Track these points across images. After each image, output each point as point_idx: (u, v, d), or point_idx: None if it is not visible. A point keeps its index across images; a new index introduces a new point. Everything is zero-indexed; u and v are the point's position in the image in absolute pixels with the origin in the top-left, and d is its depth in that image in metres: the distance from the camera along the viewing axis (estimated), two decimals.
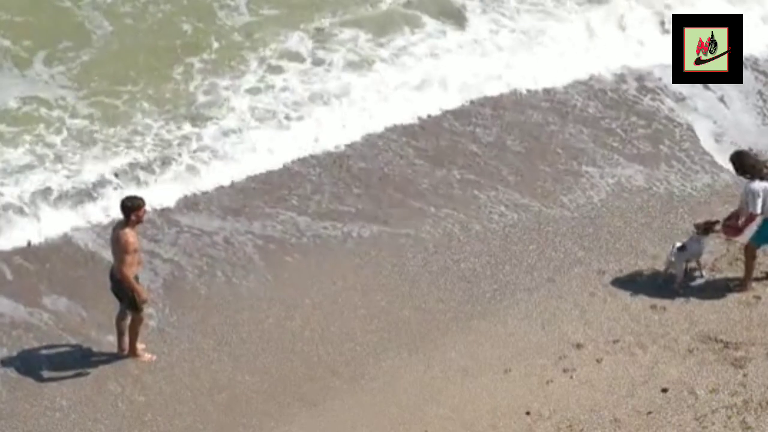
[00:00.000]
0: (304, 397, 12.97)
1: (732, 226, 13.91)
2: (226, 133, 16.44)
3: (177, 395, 13.03)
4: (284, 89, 17.22)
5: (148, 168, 15.80)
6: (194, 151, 16.12)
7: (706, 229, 14.00)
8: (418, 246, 14.84)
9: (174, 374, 13.27)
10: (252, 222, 15.23)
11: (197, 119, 16.62)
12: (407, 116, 16.90)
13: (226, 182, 15.80)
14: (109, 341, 13.41)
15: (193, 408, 12.88)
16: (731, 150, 14.87)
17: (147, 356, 13.34)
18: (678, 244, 14.04)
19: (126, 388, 13.08)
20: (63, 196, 15.28)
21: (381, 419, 12.65)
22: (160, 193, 15.44)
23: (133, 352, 13.31)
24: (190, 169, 15.92)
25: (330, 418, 12.73)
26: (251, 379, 13.21)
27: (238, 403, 12.95)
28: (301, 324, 13.83)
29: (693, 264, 14.15)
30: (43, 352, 13.48)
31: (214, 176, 15.90)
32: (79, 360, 13.38)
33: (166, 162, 15.92)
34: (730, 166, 14.27)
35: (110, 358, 13.29)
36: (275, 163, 16.15)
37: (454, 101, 17.16)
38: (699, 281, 14.11)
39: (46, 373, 13.24)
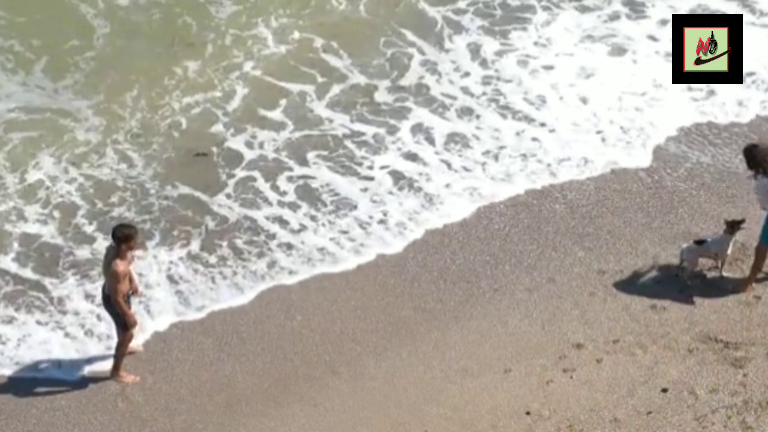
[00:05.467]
0: (304, 397, 12.97)
1: None
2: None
3: (176, 395, 13.03)
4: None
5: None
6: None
7: (732, 227, 13.95)
8: (418, 246, 14.84)
9: (174, 374, 13.27)
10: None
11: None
12: None
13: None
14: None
15: (192, 407, 12.89)
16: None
17: (130, 378, 13.16)
18: (697, 240, 14.04)
19: (126, 387, 13.08)
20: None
21: (381, 419, 12.65)
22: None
23: (116, 371, 13.13)
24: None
25: (330, 418, 12.73)
26: (251, 379, 13.21)
27: (237, 403, 12.95)
28: (301, 324, 13.84)
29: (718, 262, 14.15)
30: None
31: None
32: (79, 360, 13.38)
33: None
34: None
35: (110, 358, 13.27)
36: None
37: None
38: (697, 280, 14.12)
39: (46, 373, 13.25)
